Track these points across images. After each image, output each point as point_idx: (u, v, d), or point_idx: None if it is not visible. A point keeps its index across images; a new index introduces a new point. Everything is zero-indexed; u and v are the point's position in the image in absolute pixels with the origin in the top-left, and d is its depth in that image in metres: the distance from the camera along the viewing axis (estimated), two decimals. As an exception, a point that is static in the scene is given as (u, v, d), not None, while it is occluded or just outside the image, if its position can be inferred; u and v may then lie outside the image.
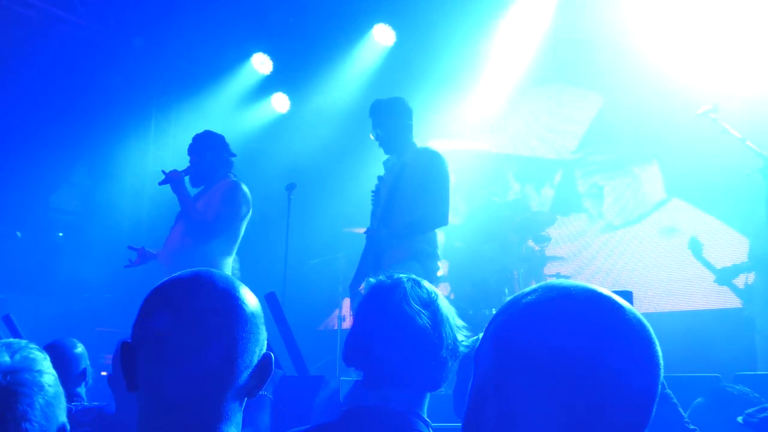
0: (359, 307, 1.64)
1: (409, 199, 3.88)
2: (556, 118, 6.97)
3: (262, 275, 5.70)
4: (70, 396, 2.75)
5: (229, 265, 4.14)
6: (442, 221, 3.89)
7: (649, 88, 5.85)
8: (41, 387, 1.11)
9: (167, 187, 4.12)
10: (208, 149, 4.27)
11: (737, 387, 2.53)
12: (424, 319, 1.56)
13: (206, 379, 1.04)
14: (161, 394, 1.05)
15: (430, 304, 1.60)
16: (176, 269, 1.16)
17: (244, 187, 4.15)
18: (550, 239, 6.06)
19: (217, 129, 4.45)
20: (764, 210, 4.12)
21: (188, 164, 4.27)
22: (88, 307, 6.73)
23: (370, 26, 6.93)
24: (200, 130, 4.39)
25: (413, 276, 1.66)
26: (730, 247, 5.43)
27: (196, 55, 7.73)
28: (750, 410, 2.06)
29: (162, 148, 7.99)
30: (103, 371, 5.28)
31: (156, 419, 1.04)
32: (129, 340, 1.10)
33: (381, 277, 1.66)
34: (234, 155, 4.36)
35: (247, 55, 7.60)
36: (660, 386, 0.84)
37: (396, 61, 7.05)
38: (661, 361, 0.84)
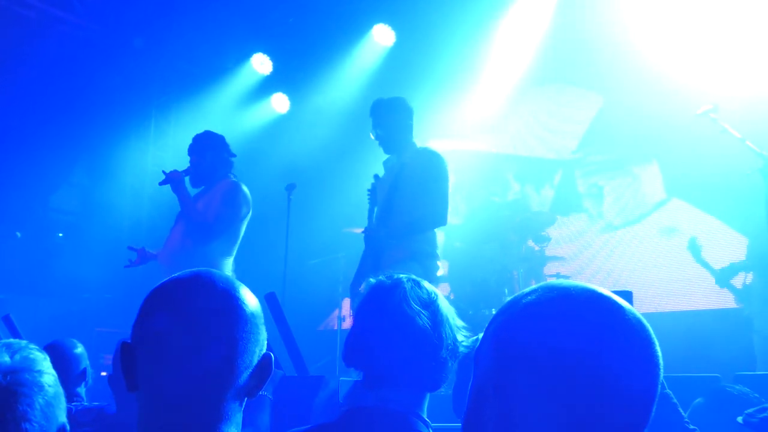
0: (359, 307, 1.64)
1: (409, 199, 3.88)
2: (556, 118, 6.97)
3: (262, 275, 5.70)
4: (70, 396, 2.75)
5: (229, 266, 4.14)
6: (441, 221, 3.88)
7: (649, 88, 5.85)
8: (41, 387, 1.11)
9: (167, 188, 4.12)
10: (209, 149, 4.27)
11: (737, 387, 2.53)
12: (424, 319, 1.56)
13: (206, 379, 1.04)
14: (161, 394, 1.05)
15: (430, 304, 1.60)
16: (176, 270, 1.16)
17: (245, 188, 4.15)
18: (549, 239, 6.06)
19: (216, 129, 4.45)
20: (764, 210, 4.12)
21: (188, 164, 4.27)
22: (88, 308, 6.73)
23: (370, 26, 6.93)
24: (200, 131, 4.39)
25: (413, 276, 1.66)
26: (730, 247, 5.43)
27: (196, 55, 7.73)
28: (750, 410, 2.06)
29: (162, 148, 8.00)
30: (103, 371, 5.27)
31: (156, 419, 1.04)
32: (129, 340, 1.10)
33: (381, 278, 1.65)
34: (234, 155, 4.36)
35: (247, 55, 7.60)
36: (660, 386, 0.84)
37: (396, 62, 7.05)
38: (661, 362, 0.84)
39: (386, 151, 4.13)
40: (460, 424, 0.93)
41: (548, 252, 6.11)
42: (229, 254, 4.15)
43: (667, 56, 5.72)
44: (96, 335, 6.24)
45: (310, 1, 6.91)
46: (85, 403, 2.75)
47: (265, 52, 7.55)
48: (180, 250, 4.09)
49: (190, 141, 4.34)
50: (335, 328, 6.52)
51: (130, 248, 4.29)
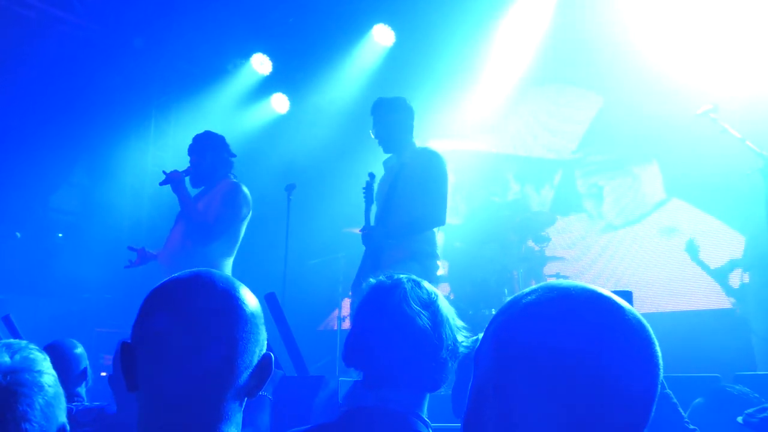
0: (359, 307, 1.64)
1: (408, 199, 3.88)
2: (556, 118, 6.97)
3: (262, 275, 5.70)
4: (71, 396, 2.75)
5: (229, 266, 4.14)
6: (440, 221, 3.88)
7: (649, 88, 5.85)
8: (41, 387, 1.11)
9: (167, 188, 4.12)
10: (209, 150, 4.27)
11: (737, 387, 2.53)
12: (424, 319, 1.56)
13: (206, 380, 1.04)
14: (161, 394, 1.05)
15: (430, 304, 1.60)
16: (176, 270, 1.16)
17: (245, 189, 4.15)
18: (549, 239, 6.06)
19: (216, 129, 4.45)
20: (764, 210, 4.12)
21: (188, 165, 4.27)
22: (88, 308, 6.73)
23: (370, 26, 6.93)
24: (200, 131, 4.39)
25: (413, 276, 1.66)
26: (729, 247, 5.43)
27: (196, 55, 7.73)
28: (750, 410, 2.06)
29: (162, 148, 8.00)
30: (103, 371, 5.28)
31: (156, 419, 1.04)
32: (129, 340, 1.10)
33: (381, 278, 1.65)
34: (234, 156, 4.36)
35: (246, 56, 7.61)
36: (659, 386, 0.84)
37: (396, 62, 7.05)
38: (661, 362, 0.84)
39: (386, 151, 4.13)
40: (459, 425, 0.93)
41: (548, 252, 6.11)
42: (229, 255, 4.15)
43: (667, 56, 5.72)
44: (96, 335, 6.24)
45: (310, 1, 6.91)
46: (86, 403, 2.75)
47: (265, 52, 7.55)
48: (180, 251, 4.09)
49: (190, 141, 4.34)
50: (335, 328, 6.52)
51: (130, 248, 4.29)
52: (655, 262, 5.99)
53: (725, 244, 5.50)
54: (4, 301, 5.78)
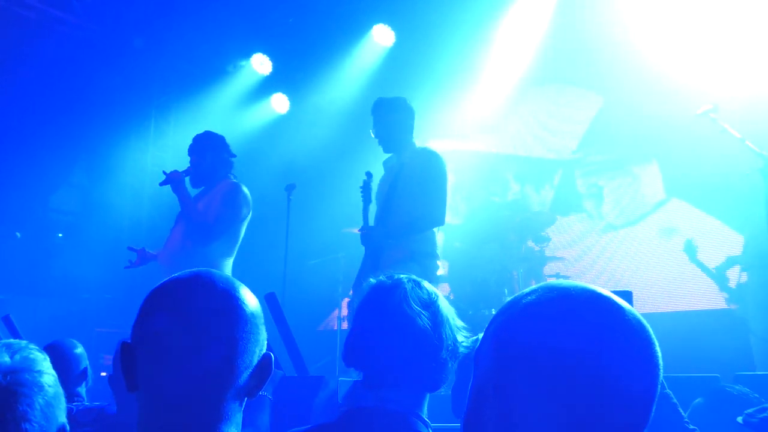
0: (359, 307, 1.64)
1: (407, 199, 3.88)
2: (555, 119, 6.97)
3: (262, 275, 5.70)
4: (71, 396, 2.75)
5: (229, 266, 4.14)
6: (439, 221, 3.88)
7: (649, 88, 5.85)
8: (41, 387, 1.11)
9: (167, 188, 4.12)
10: (209, 150, 4.27)
11: (737, 387, 2.53)
12: (424, 320, 1.55)
13: (206, 380, 1.04)
14: (161, 394, 1.05)
15: (430, 305, 1.59)
16: (176, 270, 1.16)
17: (245, 189, 4.15)
18: (549, 239, 6.06)
19: (216, 129, 4.45)
20: (763, 210, 4.12)
21: (188, 165, 4.27)
22: (88, 308, 6.73)
23: (370, 27, 6.93)
24: (200, 131, 4.39)
25: (413, 276, 1.66)
26: (729, 247, 5.43)
27: (196, 56, 7.73)
28: (750, 410, 2.06)
29: (161, 148, 8.00)
30: (103, 372, 5.28)
31: (156, 419, 1.04)
32: (129, 340, 1.10)
33: (381, 278, 1.65)
34: (234, 156, 4.36)
35: (246, 56, 7.61)
36: (659, 386, 0.84)
37: (395, 62, 7.05)
38: (661, 362, 0.84)
39: (386, 150, 4.13)
40: (459, 425, 0.93)
41: (548, 252, 6.12)
42: (229, 255, 4.15)
43: (667, 56, 5.72)
44: (96, 335, 6.24)
45: (310, 1, 6.91)
46: (86, 403, 2.75)
47: (265, 52, 7.55)
48: (180, 251, 4.09)
49: (190, 141, 4.34)
50: (335, 328, 6.52)
51: (130, 249, 4.29)
52: (655, 262, 5.99)
53: (725, 244, 5.50)
54: (4, 301, 5.78)
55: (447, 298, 1.70)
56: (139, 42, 7.30)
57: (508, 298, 0.92)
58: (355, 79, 7.26)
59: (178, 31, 7.22)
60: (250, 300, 1.12)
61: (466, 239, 6.68)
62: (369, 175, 4.03)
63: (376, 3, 6.81)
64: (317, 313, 7.52)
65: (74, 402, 2.70)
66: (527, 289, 0.90)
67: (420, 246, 3.84)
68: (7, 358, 1.10)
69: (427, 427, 1.54)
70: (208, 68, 7.79)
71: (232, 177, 4.28)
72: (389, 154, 4.16)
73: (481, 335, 0.93)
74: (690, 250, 5.01)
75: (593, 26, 6.17)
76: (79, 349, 2.95)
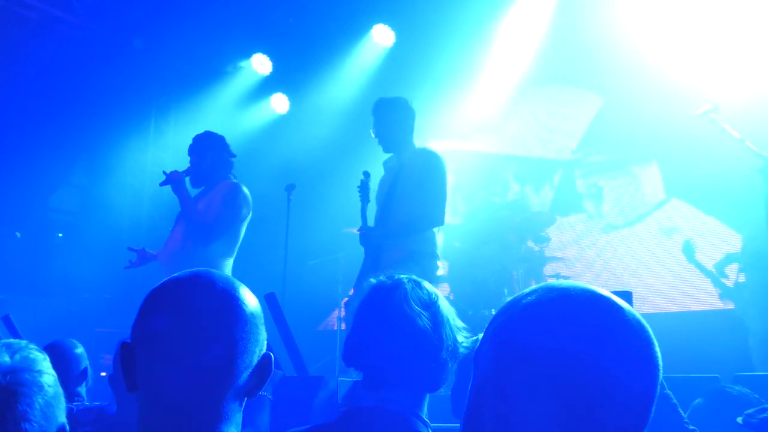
0: (359, 307, 1.64)
1: (406, 199, 3.88)
2: (555, 118, 6.97)
3: (262, 275, 5.70)
4: (71, 396, 2.75)
5: (229, 267, 4.14)
6: (438, 221, 3.88)
7: (649, 88, 5.85)
8: (41, 387, 1.11)
9: (167, 188, 4.12)
10: (209, 150, 4.27)
11: (736, 387, 2.53)
12: (424, 320, 1.55)
13: (206, 380, 1.04)
14: (161, 394, 1.05)
15: (430, 305, 1.59)
16: (176, 270, 1.16)
17: (245, 189, 4.15)
18: (549, 239, 6.06)
19: (216, 129, 4.45)
20: (763, 210, 4.12)
21: (188, 165, 4.27)
22: (88, 308, 6.73)
23: (370, 27, 6.94)
24: (200, 131, 4.39)
25: (414, 277, 1.66)
26: (729, 247, 5.43)
27: (196, 56, 7.73)
28: (749, 411, 2.06)
29: (161, 148, 8.00)
30: (103, 372, 5.28)
31: (156, 419, 1.04)
32: (129, 341, 1.10)
33: (381, 278, 1.65)
34: (234, 156, 4.36)
35: (246, 56, 7.61)
36: (659, 387, 0.84)
37: (396, 62, 7.05)
38: (660, 362, 0.84)
39: (385, 150, 4.14)
40: (458, 425, 0.93)
41: (548, 252, 6.12)
42: (229, 255, 4.15)
43: (666, 56, 5.72)
44: (96, 335, 6.25)
45: (310, 1, 6.91)
46: (86, 403, 2.75)
47: (264, 52, 7.55)
48: (180, 251, 4.09)
49: (189, 141, 4.34)
50: (335, 328, 6.53)
51: (130, 249, 4.29)
52: (654, 262, 5.99)
53: (724, 244, 5.50)
54: (3, 301, 5.78)
55: (447, 298, 1.69)
56: (139, 42, 7.30)
57: (508, 299, 0.92)
58: (355, 79, 7.27)
59: (178, 31, 7.22)
60: (250, 300, 1.12)
61: (466, 239, 6.68)
62: (367, 174, 4.03)
63: (376, 3, 6.81)
64: (317, 313, 7.52)
65: (74, 402, 2.70)
66: (527, 290, 0.89)
67: (420, 246, 3.84)
68: (6, 358, 1.11)
69: (427, 427, 1.54)
70: (208, 68, 7.79)
71: (232, 177, 4.28)
72: (389, 155, 4.16)
73: (480, 335, 0.93)
74: (688, 250, 5.02)
75: (593, 26, 6.17)
76: (80, 349, 2.96)
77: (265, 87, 7.79)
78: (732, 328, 4.94)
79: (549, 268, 6.10)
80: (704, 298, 5.58)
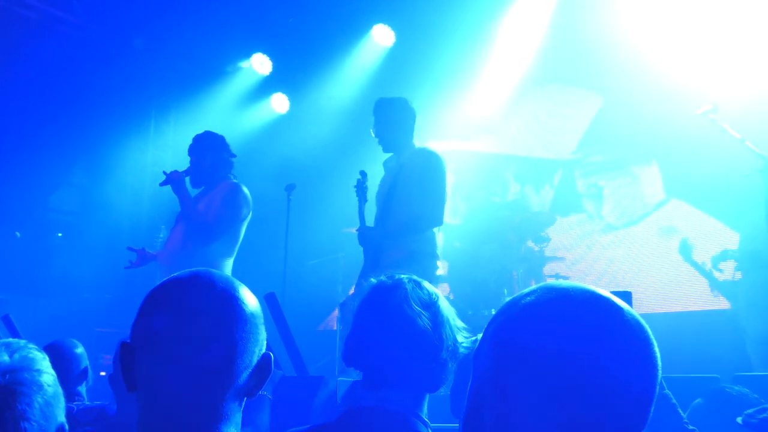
0: (360, 307, 1.64)
1: (406, 199, 3.89)
2: (555, 119, 6.97)
3: (262, 275, 5.70)
4: (71, 395, 2.76)
5: (229, 267, 4.14)
6: (437, 221, 3.88)
7: (648, 88, 5.85)
8: (40, 386, 1.11)
9: (167, 188, 4.13)
10: (209, 150, 4.27)
11: (736, 388, 2.53)
12: (424, 320, 1.55)
13: (205, 379, 1.04)
14: (161, 394, 1.05)
15: (430, 305, 1.59)
16: (176, 270, 1.16)
17: (245, 189, 4.16)
18: (549, 239, 6.06)
19: (216, 129, 4.45)
20: (763, 211, 4.12)
21: (188, 165, 4.27)
22: (88, 308, 6.73)
23: (370, 27, 6.94)
24: (200, 131, 4.39)
25: (414, 277, 1.66)
26: (728, 247, 5.42)
27: (196, 56, 7.73)
28: (749, 411, 2.06)
29: (161, 148, 8.00)
30: (103, 371, 5.28)
31: (155, 419, 1.04)
32: (128, 340, 1.10)
33: (382, 278, 1.65)
34: (234, 156, 4.36)
35: (246, 56, 7.61)
36: (658, 387, 0.84)
37: (396, 62, 7.05)
38: (659, 363, 0.84)
39: (385, 150, 4.14)
40: (458, 425, 0.93)
41: (548, 252, 6.11)
42: (229, 255, 4.15)
43: (666, 56, 5.72)
44: (96, 335, 6.24)
45: (310, 1, 6.91)
46: (87, 403, 2.75)
47: (264, 52, 7.55)
48: (180, 251, 4.09)
49: (189, 141, 4.34)
50: (335, 328, 6.52)
51: (130, 249, 4.29)
52: (654, 262, 5.99)
53: (724, 244, 5.49)
54: (3, 300, 5.78)
55: (447, 298, 1.69)
56: (139, 42, 7.30)
57: (508, 299, 0.92)
58: (355, 79, 7.27)
59: (178, 31, 7.22)
60: (249, 300, 1.12)
61: (466, 239, 6.68)
62: (363, 174, 4.03)
63: (376, 3, 6.81)
64: (317, 313, 7.52)
65: (75, 401, 2.70)
66: (526, 290, 0.90)
67: (420, 246, 3.84)
68: (6, 358, 1.11)
69: (426, 427, 1.54)
70: (208, 68, 7.79)
71: (232, 177, 4.29)
72: (389, 155, 4.16)
73: (480, 336, 0.93)
74: (685, 249, 5.01)
75: (593, 26, 6.17)
76: (80, 349, 2.96)
77: (265, 87, 7.79)
78: (732, 329, 4.93)
79: (549, 268, 6.10)
80: (704, 298, 5.57)
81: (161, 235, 5.14)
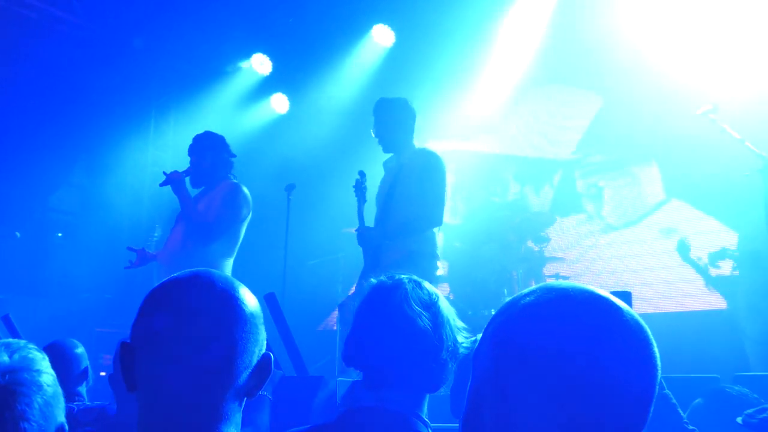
0: (360, 307, 1.64)
1: (405, 200, 3.89)
2: (555, 119, 6.97)
3: (262, 275, 5.70)
4: (72, 396, 2.76)
5: (229, 267, 4.14)
6: (436, 222, 3.88)
7: (648, 89, 5.85)
8: (40, 387, 1.11)
9: (167, 188, 4.13)
10: (209, 150, 4.28)
11: (736, 387, 2.53)
12: (424, 320, 1.55)
13: (205, 380, 1.04)
14: (160, 394, 1.05)
15: (431, 305, 1.59)
16: (176, 270, 1.16)
17: (245, 189, 4.16)
18: (549, 240, 6.06)
19: (216, 129, 4.46)
20: (763, 211, 4.12)
21: (188, 165, 4.27)
22: (88, 308, 6.73)
23: (370, 27, 6.94)
24: (200, 131, 4.39)
25: (414, 277, 1.66)
26: (728, 247, 5.43)
27: (196, 56, 7.73)
28: (749, 411, 2.06)
29: (161, 148, 8.00)
30: (103, 371, 5.28)
31: (155, 419, 1.04)
32: (128, 341, 1.10)
33: (382, 278, 1.65)
34: (234, 156, 4.36)
35: (246, 56, 7.61)
36: (657, 387, 0.84)
37: (395, 62, 7.05)
38: (659, 363, 0.84)
39: (385, 150, 4.14)
40: (458, 425, 0.93)
41: (547, 252, 6.12)
42: (229, 255, 4.15)
43: (666, 56, 5.72)
44: (96, 335, 6.24)
45: (310, 1, 6.91)
46: (87, 403, 2.75)
47: (264, 52, 7.55)
48: (180, 251, 4.09)
49: (189, 141, 4.34)
50: (335, 328, 6.52)
51: (130, 249, 4.29)
52: (654, 262, 5.99)
53: (724, 244, 5.50)
54: (3, 300, 5.78)
55: (447, 298, 1.69)
56: (138, 42, 7.30)
57: (508, 299, 0.92)
58: (355, 79, 7.27)
59: (178, 31, 7.22)
60: (249, 300, 1.12)
61: (466, 239, 6.68)
62: (362, 174, 4.04)
63: (376, 3, 6.81)
64: (317, 313, 7.52)
65: (75, 402, 2.70)
66: (526, 290, 0.90)
67: (420, 246, 3.84)
68: (5, 358, 1.10)
69: (427, 428, 1.54)
70: (208, 68, 7.79)
71: (232, 177, 4.29)
72: (389, 155, 4.16)
73: (479, 336, 0.93)
74: (683, 248, 5.01)
75: (593, 26, 6.17)
76: (80, 349, 2.96)
77: (265, 87, 7.79)
78: (732, 329, 4.94)
79: (549, 269, 6.10)
80: (704, 298, 5.57)
81: (155, 234, 5.14)
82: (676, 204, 6.00)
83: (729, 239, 5.48)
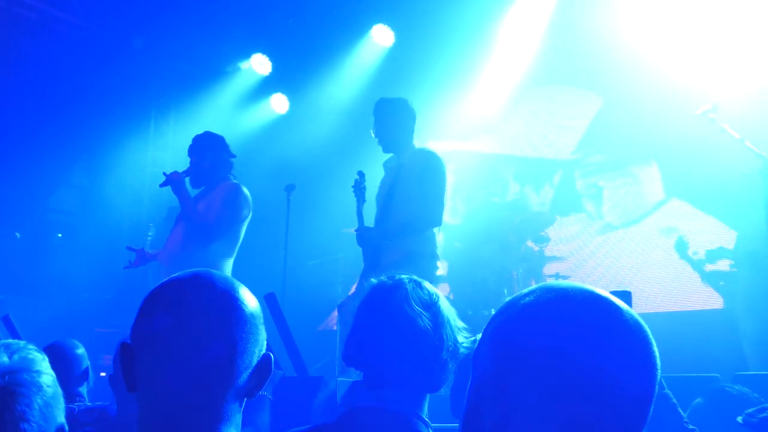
0: (360, 307, 1.64)
1: (405, 200, 3.89)
2: (555, 119, 6.97)
3: (262, 275, 5.70)
4: (72, 396, 2.76)
5: (229, 267, 4.14)
6: (436, 222, 3.88)
7: (648, 89, 5.85)
8: (40, 387, 1.11)
9: (167, 188, 4.13)
10: (209, 150, 4.28)
11: (736, 387, 2.53)
12: (425, 320, 1.55)
13: (206, 380, 1.04)
14: (161, 394, 1.05)
15: (431, 305, 1.59)
16: (176, 270, 1.16)
17: (245, 190, 4.16)
18: (549, 239, 6.06)
19: (216, 130, 4.46)
20: (762, 211, 4.12)
21: (188, 165, 4.27)
22: (88, 308, 6.73)
23: (369, 27, 6.94)
24: (200, 131, 4.39)
25: (415, 277, 1.66)
26: (727, 246, 5.43)
27: (196, 56, 7.73)
28: (749, 410, 2.06)
29: (161, 148, 8.00)
30: (103, 372, 5.28)
31: (155, 419, 1.04)
32: (128, 341, 1.10)
33: (382, 278, 1.65)
34: (234, 156, 4.36)
35: (246, 56, 7.61)
36: (657, 387, 0.84)
37: (395, 62, 7.05)
38: (659, 363, 0.84)
39: (385, 150, 4.14)
40: (458, 425, 0.93)
41: (547, 252, 6.12)
42: (229, 255, 4.15)
43: (666, 56, 5.72)
44: (96, 335, 6.24)
45: (309, 1, 6.91)
46: (88, 403, 2.75)
47: (264, 52, 7.55)
48: (180, 251, 4.10)
49: (189, 141, 4.34)
50: (335, 328, 6.52)
51: (129, 249, 4.29)
52: (654, 262, 5.99)
53: (723, 244, 5.50)
54: (3, 301, 5.78)
55: (447, 298, 1.69)
56: (138, 42, 7.30)
57: (507, 299, 0.92)
58: (354, 79, 7.27)
59: (178, 31, 7.22)
60: (249, 300, 1.12)
61: (466, 239, 6.68)
62: (361, 174, 4.04)
63: (376, 3, 6.81)
64: (317, 313, 7.52)
65: (76, 402, 2.70)
66: (526, 290, 0.90)
67: (420, 246, 3.84)
68: (5, 358, 1.10)
69: (427, 427, 1.54)
70: (207, 68, 7.79)
71: (232, 177, 4.29)
72: (389, 155, 4.16)
73: (479, 336, 0.93)
74: (681, 246, 5.02)
75: (593, 26, 6.17)
76: (80, 350, 2.96)
77: (265, 87, 7.79)
78: (731, 328, 4.94)
79: (548, 268, 6.10)
80: (704, 298, 5.58)
81: (150, 234, 5.15)
82: (676, 204, 6.00)
83: (728, 239, 5.49)
